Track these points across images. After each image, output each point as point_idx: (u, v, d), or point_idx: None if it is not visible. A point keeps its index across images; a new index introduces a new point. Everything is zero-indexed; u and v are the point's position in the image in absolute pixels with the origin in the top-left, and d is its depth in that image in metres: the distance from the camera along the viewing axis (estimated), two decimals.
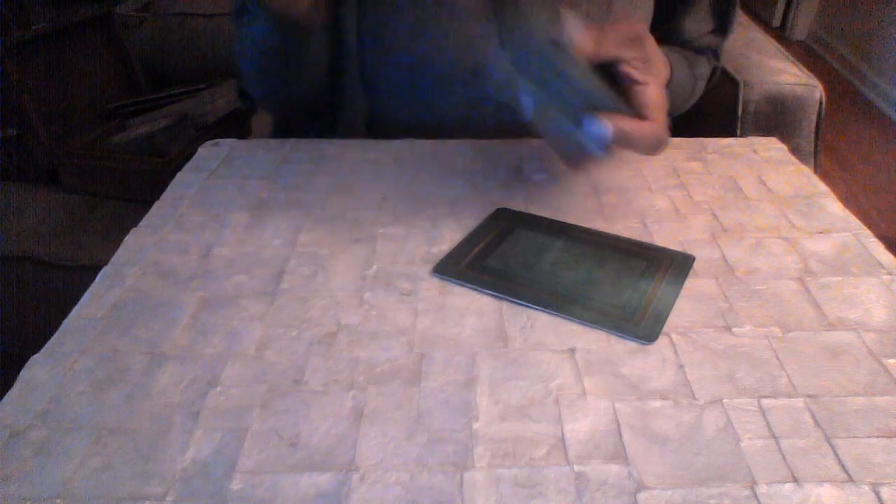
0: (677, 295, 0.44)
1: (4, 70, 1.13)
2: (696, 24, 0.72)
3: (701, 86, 0.74)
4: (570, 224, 0.52)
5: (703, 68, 0.73)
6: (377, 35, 0.64)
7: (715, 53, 0.75)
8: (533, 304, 0.43)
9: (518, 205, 0.54)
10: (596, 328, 0.41)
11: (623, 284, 0.45)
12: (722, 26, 0.73)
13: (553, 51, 0.47)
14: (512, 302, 0.43)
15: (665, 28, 0.70)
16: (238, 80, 1.33)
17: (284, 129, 0.81)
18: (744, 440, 0.34)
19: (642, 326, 0.41)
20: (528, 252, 0.48)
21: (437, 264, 0.47)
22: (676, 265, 0.47)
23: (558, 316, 0.42)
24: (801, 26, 3.61)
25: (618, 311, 0.43)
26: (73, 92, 1.27)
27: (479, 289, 0.44)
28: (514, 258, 0.48)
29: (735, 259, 0.48)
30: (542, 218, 0.52)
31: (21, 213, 1.15)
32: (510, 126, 0.67)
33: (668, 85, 0.63)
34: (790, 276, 0.46)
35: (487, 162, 0.60)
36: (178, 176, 0.58)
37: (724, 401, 0.36)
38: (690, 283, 0.45)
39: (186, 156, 0.62)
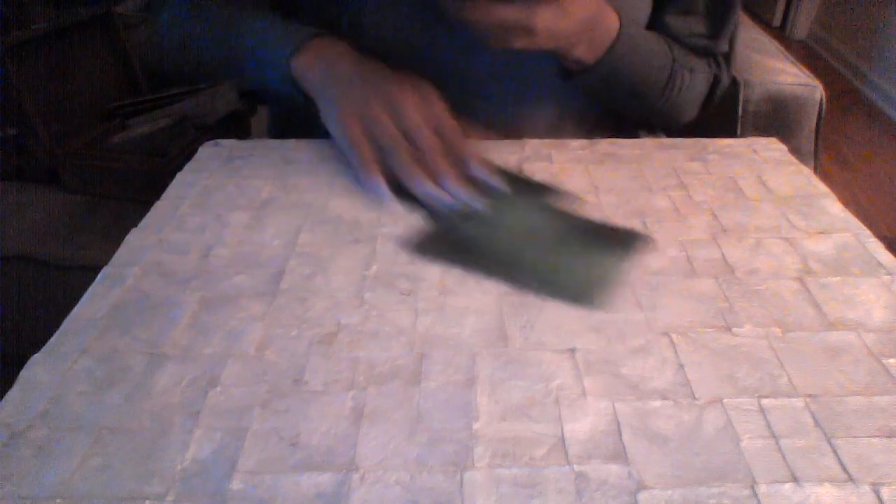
0: (626, 264, 0.47)
1: (4, 70, 1.13)
2: (684, 23, 0.69)
3: (694, 81, 0.70)
4: (525, 199, 0.54)
5: (698, 64, 0.71)
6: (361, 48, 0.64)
7: (716, 61, 0.72)
8: (493, 277, 0.45)
9: None
10: (554, 299, 0.43)
11: (576, 256, 0.48)
12: (717, 31, 0.70)
13: None
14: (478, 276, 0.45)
15: (651, 23, 0.69)
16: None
17: (280, 128, 0.81)
18: (744, 440, 0.34)
19: (595, 295, 0.44)
20: (489, 230, 0.51)
21: (416, 244, 0.48)
22: (625, 238, 0.50)
23: (518, 288, 0.44)
24: (801, 26, 3.61)
25: (574, 283, 0.45)
26: (73, 92, 1.27)
27: (454, 266, 0.46)
28: (479, 237, 0.50)
29: (735, 259, 0.48)
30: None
31: (21, 213, 1.15)
32: (506, 126, 0.67)
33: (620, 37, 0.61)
34: (790, 276, 0.46)
35: None
36: (178, 176, 0.58)
37: (724, 401, 0.36)
38: (690, 283, 0.45)
39: (186, 156, 0.62)
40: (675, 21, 0.69)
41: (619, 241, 0.50)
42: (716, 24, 0.70)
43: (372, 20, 0.63)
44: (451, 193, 0.52)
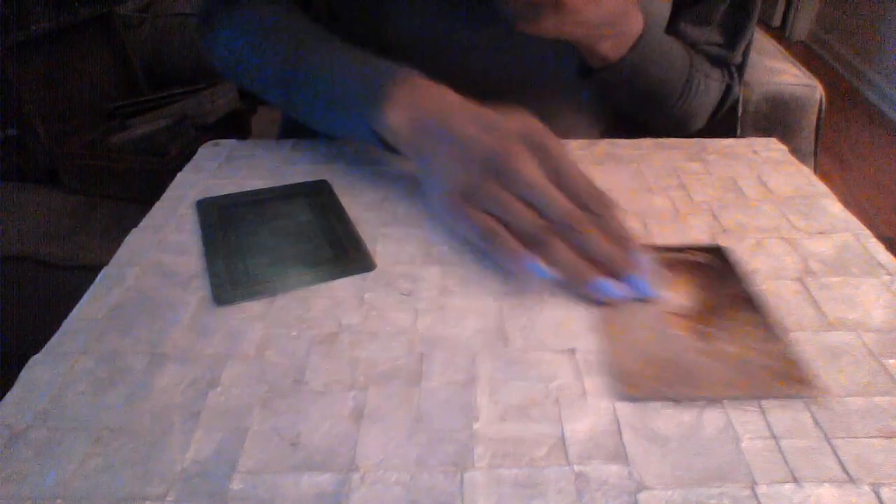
0: (349, 220, 0.51)
1: (4, 70, 1.13)
2: (700, 32, 0.70)
3: (709, 86, 0.71)
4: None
5: (713, 71, 0.71)
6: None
7: (729, 71, 0.73)
8: (287, 290, 0.44)
9: None
10: (333, 281, 0.45)
11: (314, 236, 0.50)
12: (732, 42, 0.70)
13: None
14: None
15: (667, 30, 0.69)
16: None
17: (292, 130, 0.81)
18: (744, 440, 0.34)
19: (358, 261, 0.47)
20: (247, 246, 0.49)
21: (215, 294, 0.44)
22: (320, 194, 0.54)
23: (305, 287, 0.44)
24: (801, 26, 3.62)
25: (337, 257, 0.47)
26: (73, 92, 1.27)
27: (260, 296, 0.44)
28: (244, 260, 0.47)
29: (735, 259, 0.48)
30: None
31: (21, 213, 1.15)
32: None
33: (644, 36, 0.61)
34: (790, 276, 0.46)
35: None
36: (178, 176, 0.58)
37: (725, 401, 0.36)
38: None
39: (186, 156, 0.62)
40: (690, 30, 0.70)
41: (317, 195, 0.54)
42: (731, 36, 0.70)
43: (400, 19, 0.63)
44: (635, 287, 0.42)
